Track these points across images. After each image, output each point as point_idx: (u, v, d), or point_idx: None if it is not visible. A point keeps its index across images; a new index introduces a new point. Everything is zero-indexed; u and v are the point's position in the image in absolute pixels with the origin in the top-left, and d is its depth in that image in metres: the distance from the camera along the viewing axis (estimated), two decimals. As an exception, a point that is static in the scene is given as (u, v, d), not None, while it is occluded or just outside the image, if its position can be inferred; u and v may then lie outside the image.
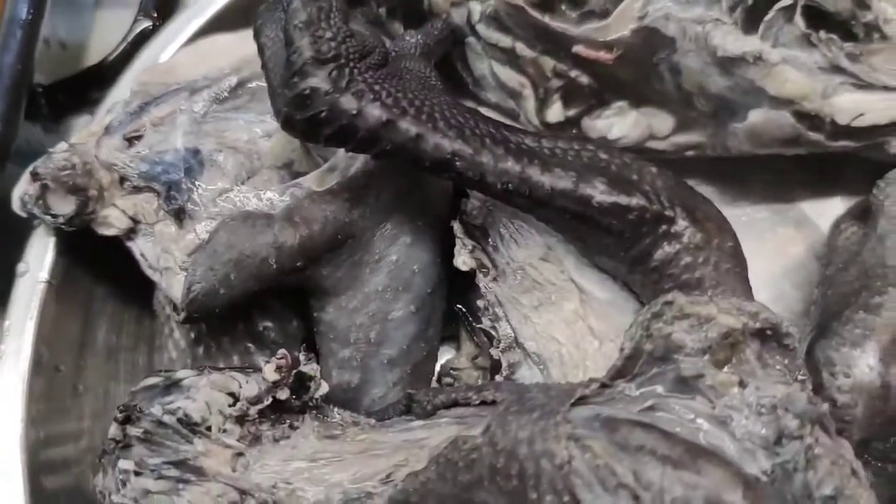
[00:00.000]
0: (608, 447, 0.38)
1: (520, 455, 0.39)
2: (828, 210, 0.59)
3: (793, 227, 0.60)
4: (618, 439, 0.38)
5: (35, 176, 0.50)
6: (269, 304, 0.53)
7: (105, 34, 0.65)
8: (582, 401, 0.40)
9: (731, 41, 0.51)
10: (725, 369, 0.40)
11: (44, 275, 0.53)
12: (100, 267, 0.57)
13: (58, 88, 0.63)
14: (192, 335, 0.53)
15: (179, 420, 0.45)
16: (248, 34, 0.51)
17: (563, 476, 0.38)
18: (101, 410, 0.55)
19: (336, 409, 0.48)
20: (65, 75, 0.63)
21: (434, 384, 0.56)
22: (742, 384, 0.39)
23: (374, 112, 0.43)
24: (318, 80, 0.43)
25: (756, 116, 0.53)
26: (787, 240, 0.60)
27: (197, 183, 0.51)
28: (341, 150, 0.51)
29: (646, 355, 0.40)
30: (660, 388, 0.40)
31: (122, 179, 0.51)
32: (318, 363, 0.48)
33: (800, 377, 0.41)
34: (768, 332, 0.40)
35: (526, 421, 0.40)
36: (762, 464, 0.38)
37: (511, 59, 0.55)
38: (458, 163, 0.44)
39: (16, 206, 0.51)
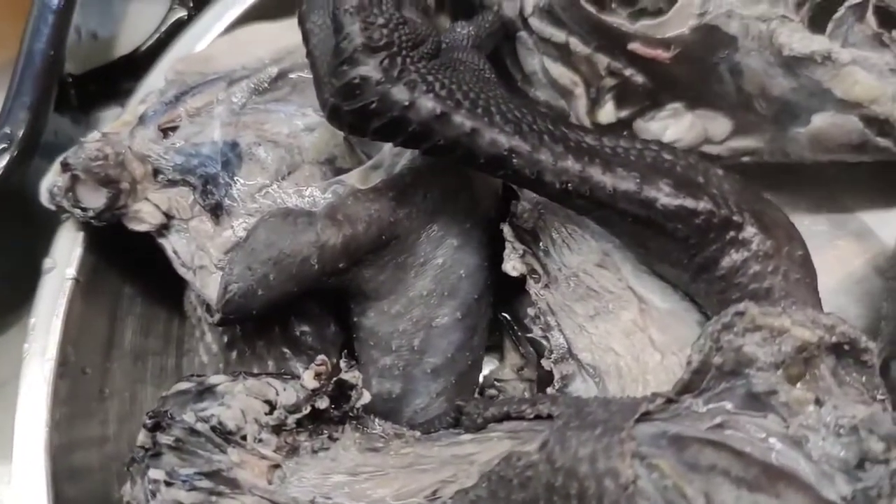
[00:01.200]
0: (677, 466, 0.35)
1: (580, 473, 0.36)
2: (890, 221, 0.56)
3: (853, 240, 0.58)
4: (687, 458, 0.36)
5: (65, 166, 0.47)
6: (306, 307, 0.50)
7: (137, 25, 0.63)
8: (646, 417, 0.38)
9: (798, 39, 0.48)
10: (799, 386, 0.37)
11: (71, 271, 0.50)
12: (128, 266, 0.55)
13: (89, 79, 0.61)
14: (226, 339, 0.50)
15: (213, 428, 0.42)
16: (288, 24, 0.49)
17: (627, 497, 0.35)
18: (127, 415, 0.53)
19: (377, 421, 0.45)
20: (98, 65, 0.61)
21: (477, 396, 0.53)
22: (818, 402, 0.36)
23: (428, 104, 0.41)
24: (369, 69, 0.41)
25: (821, 120, 0.51)
26: (848, 253, 0.57)
27: (235, 177, 0.48)
28: (386, 147, 0.49)
29: (714, 369, 0.38)
30: (729, 405, 0.37)
31: (156, 172, 0.49)
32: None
33: (879, 396, 0.38)
34: (845, 347, 0.38)
35: (587, 437, 0.37)
36: (841, 489, 0.35)
37: (564, 55, 0.52)
38: (514, 160, 0.42)
39: (44, 198, 0.49)
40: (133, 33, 0.63)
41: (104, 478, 0.51)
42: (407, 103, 0.41)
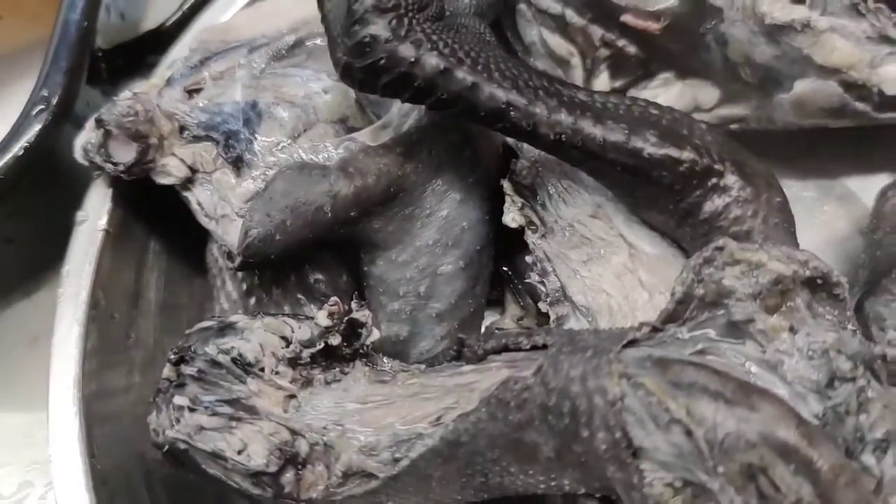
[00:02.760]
0: (661, 384, 0.38)
1: (571, 393, 0.39)
2: (873, 185, 0.58)
3: (838, 204, 0.61)
4: (670, 377, 0.38)
5: (99, 122, 0.51)
6: (320, 257, 0.53)
7: (163, 4, 0.67)
8: (633, 343, 0.40)
9: (779, 8, 0.52)
10: (776, 315, 0.40)
11: (102, 223, 0.54)
12: (155, 223, 0.58)
13: (117, 53, 0.65)
14: (244, 286, 0.54)
15: (234, 360, 0.45)
16: (305, -4, 0.52)
17: (615, 412, 0.38)
18: (150, 364, 0.56)
19: (385, 359, 0.48)
20: (126, 40, 0.65)
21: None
22: (792, 329, 0.39)
23: (432, 61, 0.44)
24: (379, 28, 0.44)
25: (802, 86, 0.54)
26: (833, 217, 0.60)
27: (255, 134, 0.52)
28: (395, 107, 0.52)
29: (696, 300, 0.41)
30: (711, 332, 0.40)
31: (182, 129, 0.52)
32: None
33: (850, 327, 0.41)
34: (818, 281, 0.40)
35: (578, 360, 0.40)
36: (813, 407, 0.38)
37: (560, 26, 0.56)
38: (511, 113, 0.45)
39: (78, 154, 0.52)
40: (158, 12, 0.67)
41: (131, 422, 0.53)
42: (413, 59, 0.44)
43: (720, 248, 0.41)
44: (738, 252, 0.41)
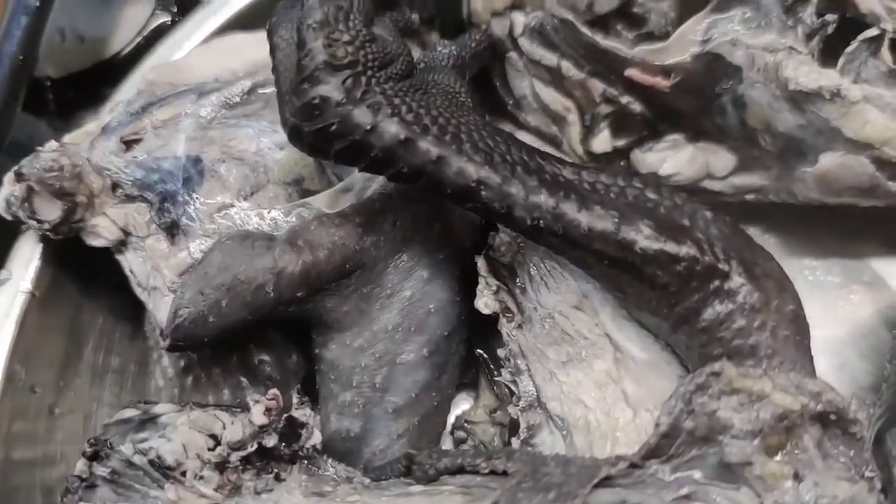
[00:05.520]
0: (632, 542, 0.33)
1: (528, 541, 0.34)
2: (901, 270, 0.53)
3: (863, 289, 0.54)
4: (644, 533, 0.33)
5: (19, 176, 0.46)
6: (267, 335, 0.48)
7: (127, 29, 0.62)
8: (606, 482, 0.35)
9: (806, 73, 0.45)
10: (778, 457, 0.35)
11: (26, 284, 0.49)
12: (91, 279, 0.53)
13: (67, 83, 0.60)
14: (182, 363, 0.48)
15: (151, 462, 0.41)
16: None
17: (576, 571, 0.33)
18: (81, 434, 0.51)
19: (330, 461, 0.43)
20: (78, 69, 0.60)
21: (446, 436, 0.50)
22: (797, 477, 0.34)
23: (391, 128, 0.38)
24: (330, 89, 0.38)
25: (829, 161, 0.47)
26: (859, 305, 0.54)
27: (195, 195, 0.46)
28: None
29: (685, 434, 0.36)
30: (698, 474, 0.35)
31: (115, 186, 0.47)
32: (315, 406, 0.43)
33: (867, 473, 0.36)
34: (832, 417, 0.35)
35: (539, 502, 0.35)
36: (816, 577, 0.32)
37: (556, 79, 0.50)
38: (483, 192, 0.39)
39: (0, 208, 0.47)
40: (121, 38, 0.61)
41: (48, 499, 0.49)
42: (369, 127, 0.38)
43: (716, 374, 0.36)
44: (738, 380, 0.36)
